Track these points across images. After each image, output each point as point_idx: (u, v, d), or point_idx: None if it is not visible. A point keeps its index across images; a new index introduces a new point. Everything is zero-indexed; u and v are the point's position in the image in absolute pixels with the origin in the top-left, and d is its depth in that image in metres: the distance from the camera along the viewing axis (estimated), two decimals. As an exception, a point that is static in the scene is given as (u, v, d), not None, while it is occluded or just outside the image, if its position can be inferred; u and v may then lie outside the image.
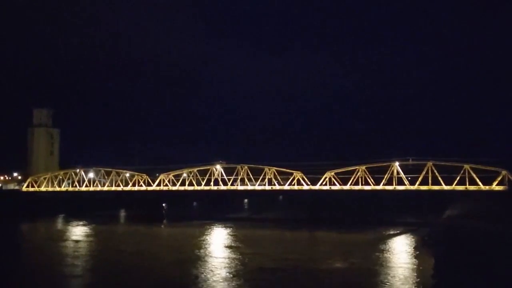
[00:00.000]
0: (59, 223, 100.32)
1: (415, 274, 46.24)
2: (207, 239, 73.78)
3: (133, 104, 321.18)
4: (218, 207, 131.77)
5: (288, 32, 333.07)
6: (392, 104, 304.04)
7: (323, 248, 64.13)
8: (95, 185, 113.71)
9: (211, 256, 56.37)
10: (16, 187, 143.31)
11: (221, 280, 43.29)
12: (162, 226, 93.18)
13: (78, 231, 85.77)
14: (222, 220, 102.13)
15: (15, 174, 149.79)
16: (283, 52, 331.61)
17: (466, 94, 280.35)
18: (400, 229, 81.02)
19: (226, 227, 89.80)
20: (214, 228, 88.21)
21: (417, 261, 52.82)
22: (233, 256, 56.61)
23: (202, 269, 48.08)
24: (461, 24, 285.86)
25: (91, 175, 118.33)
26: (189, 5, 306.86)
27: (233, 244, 66.96)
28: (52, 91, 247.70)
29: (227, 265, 50.58)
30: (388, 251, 60.02)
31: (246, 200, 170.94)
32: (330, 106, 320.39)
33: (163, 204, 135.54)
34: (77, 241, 72.40)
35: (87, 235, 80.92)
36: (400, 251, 60.29)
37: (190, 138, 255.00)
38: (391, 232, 78.29)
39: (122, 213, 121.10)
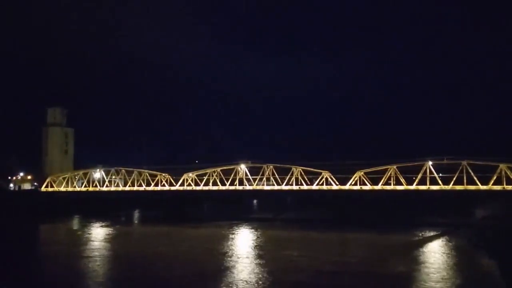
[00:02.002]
0: (80, 224, 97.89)
1: (486, 277, 44.28)
2: (242, 240, 71.69)
3: (152, 104, 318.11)
4: (230, 208, 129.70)
5: (302, 33, 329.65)
6: (423, 102, 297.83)
7: (369, 250, 61.87)
8: (116, 185, 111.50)
9: (258, 259, 54.12)
10: (31, 187, 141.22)
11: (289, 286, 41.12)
12: (188, 227, 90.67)
13: (103, 233, 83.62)
14: (247, 220, 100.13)
15: (21, 174, 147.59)
16: (301, 51, 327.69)
17: (499, 92, 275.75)
18: (436, 230, 78.92)
19: (253, 227, 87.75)
20: (242, 229, 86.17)
21: (477, 263, 50.94)
22: (282, 258, 54.54)
23: (258, 274, 45.74)
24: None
25: (98, 175, 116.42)
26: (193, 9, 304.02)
27: (272, 246, 64.88)
28: (62, 91, 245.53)
29: (283, 268, 48.38)
30: (440, 253, 57.94)
31: (255, 201, 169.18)
32: (358, 104, 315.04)
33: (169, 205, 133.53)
34: (108, 243, 70.44)
35: (115, 237, 78.89)
36: (452, 253, 58.12)
37: (215, 138, 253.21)
38: (429, 234, 76.16)
39: (143, 214, 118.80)
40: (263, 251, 59.86)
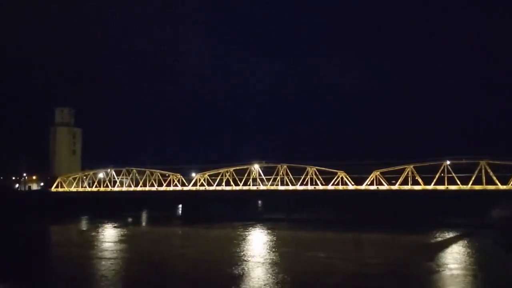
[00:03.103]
0: (92, 225, 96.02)
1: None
2: (261, 242, 70.18)
3: (161, 105, 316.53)
4: (240, 208, 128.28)
5: (312, 32, 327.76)
6: (440, 101, 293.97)
7: (395, 251, 60.52)
8: (127, 185, 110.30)
9: (285, 261, 52.80)
10: (37, 187, 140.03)
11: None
12: (202, 227, 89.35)
13: (117, 234, 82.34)
14: (259, 221, 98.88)
15: (24, 174, 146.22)
16: (313, 51, 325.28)
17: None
18: (457, 231, 77.52)
19: (268, 228, 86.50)
20: (257, 230, 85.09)
21: (507, 264, 49.93)
22: (309, 260, 53.32)
23: (290, 276, 44.42)
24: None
25: (101, 175, 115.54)
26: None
27: (294, 247, 63.48)
28: (70, 91, 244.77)
29: (314, 270, 47.12)
30: (468, 254, 56.78)
31: (259, 201, 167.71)
32: (373, 104, 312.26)
33: (179, 206, 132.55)
34: (125, 244, 69.30)
35: (131, 238, 77.81)
36: (480, 254, 56.93)
37: (231, 138, 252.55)
38: (450, 235, 74.93)
39: (154, 214, 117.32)
40: (286, 252, 58.71)
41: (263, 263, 51.32)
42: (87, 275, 47.30)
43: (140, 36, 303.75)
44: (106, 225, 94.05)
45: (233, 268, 48.33)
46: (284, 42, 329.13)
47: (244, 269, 47.70)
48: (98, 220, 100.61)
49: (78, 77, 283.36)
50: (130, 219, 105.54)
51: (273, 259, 53.91)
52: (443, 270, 47.29)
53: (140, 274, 47.44)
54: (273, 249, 61.61)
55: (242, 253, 58.14)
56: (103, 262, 54.20)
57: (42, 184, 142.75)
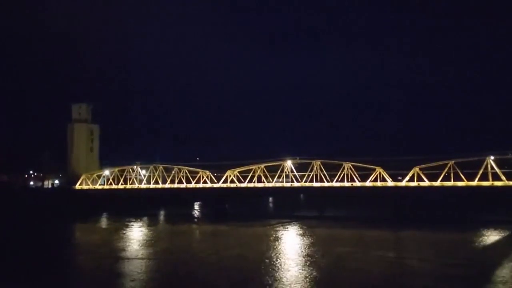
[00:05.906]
0: (122, 224, 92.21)
1: None
2: (311, 240, 66.76)
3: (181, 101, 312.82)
4: (248, 206, 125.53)
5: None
6: (483, 96, 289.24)
7: (459, 249, 58.02)
8: (153, 182, 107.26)
9: (355, 261, 50.12)
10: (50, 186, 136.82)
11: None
12: (240, 226, 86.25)
13: (152, 233, 79.46)
14: (294, 218, 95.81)
15: (30, 172, 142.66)
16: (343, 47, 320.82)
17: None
18: (508, 228, 75.14)
19: (306, 226, 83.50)
20: (296, 227, 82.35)
21: None
22: (381, 260, 50.51)
23: (378, 277, 41.90)
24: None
25: (107, 172, 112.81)
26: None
27: (352, 246, 60.51)
28: (87, 87, 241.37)
29: (395, 272, 44.42)
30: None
31: (270, 199, 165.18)
32: (411, 100, 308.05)
33: (197, 203, 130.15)
34: (170, 244, 66.66)
35: (173, 237, 75.35)
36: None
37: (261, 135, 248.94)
38: (504, 233, 72.36)
39: (183, 212, 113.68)
40: (350, 252, 55.73)
41: (333, 263, 48.75)
42: (155, 278, 44.38)
43: (158, 35, 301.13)
44: (135, 223, 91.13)
45: (308, 270, 45.60)
46: (314, 37, 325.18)
47: (320, 271, 44.83)
48: (124, 218, 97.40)
49: (95, 74, 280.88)
50: (157, 217, 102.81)
51: (344, 259, 51.20)
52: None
53: (213, 277, 44.56)
54: (333, 249, 58.69)
55: (300, 253, 55.41)
56: (162, 264, 51.60)
57: (56, 181, 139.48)
